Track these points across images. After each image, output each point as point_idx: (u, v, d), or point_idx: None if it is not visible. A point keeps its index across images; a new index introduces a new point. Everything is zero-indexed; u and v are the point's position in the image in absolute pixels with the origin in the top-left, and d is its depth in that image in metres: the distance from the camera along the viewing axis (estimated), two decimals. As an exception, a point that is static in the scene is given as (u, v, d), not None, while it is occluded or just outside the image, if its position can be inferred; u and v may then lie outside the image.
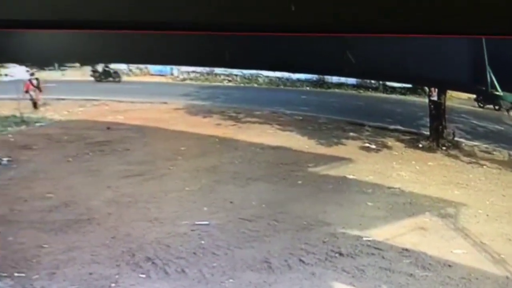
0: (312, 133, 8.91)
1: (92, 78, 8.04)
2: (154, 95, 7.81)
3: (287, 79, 10.51)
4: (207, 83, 8.35)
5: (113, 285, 6.92)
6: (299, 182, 8.39)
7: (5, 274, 6.97)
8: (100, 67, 7.73)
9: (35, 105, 7.18)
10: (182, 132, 7.80)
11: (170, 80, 8.28)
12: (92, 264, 7.21)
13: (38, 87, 7.21)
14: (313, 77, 10.05)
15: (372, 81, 11.26)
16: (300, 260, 7.46)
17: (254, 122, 8.26)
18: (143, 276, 7.09)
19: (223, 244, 7.57)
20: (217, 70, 8.21)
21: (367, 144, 10.01)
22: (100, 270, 7.11)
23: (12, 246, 7.37)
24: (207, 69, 8.19)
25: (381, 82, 10.99)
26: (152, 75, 8.19)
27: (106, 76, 7.73)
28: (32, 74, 6.98)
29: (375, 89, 12.29)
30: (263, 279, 7.16)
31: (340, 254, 7.61)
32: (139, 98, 7.78)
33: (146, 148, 7.82)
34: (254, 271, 7.28)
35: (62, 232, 7.51)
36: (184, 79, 8.29)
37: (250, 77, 8.62)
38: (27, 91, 7.14)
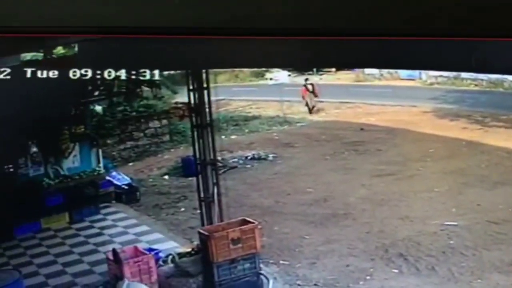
0: (559, 139, 8.69)
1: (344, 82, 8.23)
2: (403, 99, 7.97)
3: (533, 84, 10.34)
4: (454, 87, 8.43)
5: (368, 277, 7.25)
6: (546, 188, 8.27)
7: (272, 261, 7.51)
8: None
9: (310, 109, 7.53)
10: (429, 134, 7.91)
11: (418, 84, 8.40)
12: (348, 256, 7.58)
13: (313, 92, 7.53)
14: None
15: None
16: (548, 265, 7.40)
17: (500, 127, 8.19)
18: (396, 271, 7.35)
19: (471, 245, 7.65)
20: (464, 74, 8.26)
21: None
22: (356, 263, 7.47)
23: (277, 236, 7.91)
24: (453, 73, 8.25)
25: None
26: (401, 79, 8.35)
27: None
28: (306, 79, 7.31)
29: None
30: (511, 282, 7.17)
31: None
32: (389, 101, 7.98)
33: (396, 149, 8.05)
34: (501, 273, 7.27)
35: (321, 225, 7.96)
36: (432, 83, 8.42)
37: (496, 81, 8.59)
38: (303, 97, 7.52)
